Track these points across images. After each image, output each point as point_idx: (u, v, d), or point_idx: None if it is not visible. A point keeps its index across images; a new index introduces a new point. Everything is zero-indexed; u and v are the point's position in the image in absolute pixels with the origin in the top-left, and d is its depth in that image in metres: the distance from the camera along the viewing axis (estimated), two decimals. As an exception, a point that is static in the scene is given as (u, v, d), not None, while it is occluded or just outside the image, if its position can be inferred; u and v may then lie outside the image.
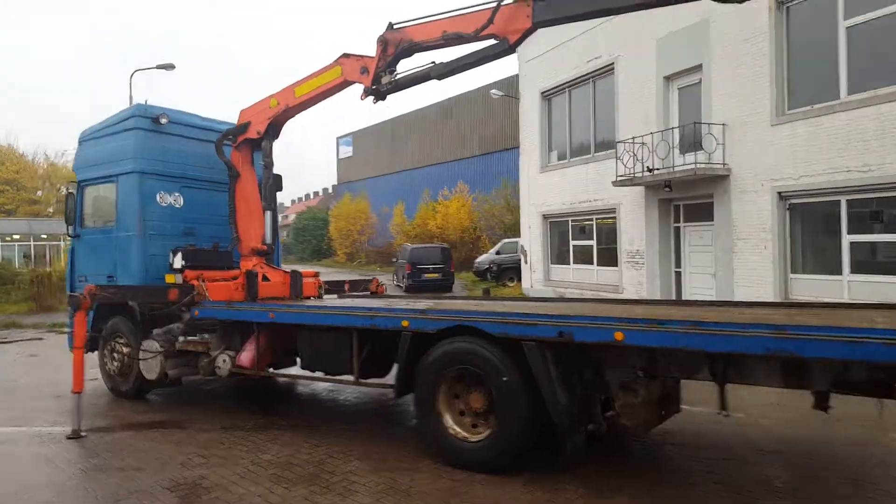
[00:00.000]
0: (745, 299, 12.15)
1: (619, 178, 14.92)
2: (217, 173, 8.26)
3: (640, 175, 14.38)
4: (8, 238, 35.51)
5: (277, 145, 8.14)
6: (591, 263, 17.65)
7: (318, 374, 6.47)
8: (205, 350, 6.97)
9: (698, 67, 13.72)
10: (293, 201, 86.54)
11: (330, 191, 62.32)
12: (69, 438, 6.14)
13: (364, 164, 51.16)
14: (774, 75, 12.02)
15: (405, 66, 7.06)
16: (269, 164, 8.03)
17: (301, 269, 8.81)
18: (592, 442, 5.25)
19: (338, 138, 55.91)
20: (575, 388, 4.77)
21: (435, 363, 5.12)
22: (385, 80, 6.92)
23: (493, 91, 24.25)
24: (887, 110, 10.29)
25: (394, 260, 29.38)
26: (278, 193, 8.39)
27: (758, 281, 12.47)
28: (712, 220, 13.71)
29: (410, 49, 6.72)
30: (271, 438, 6.00)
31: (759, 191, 12.39)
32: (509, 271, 23.89)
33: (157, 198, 7.86)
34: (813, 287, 11.67)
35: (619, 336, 4.28)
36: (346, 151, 54.48)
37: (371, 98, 7.19)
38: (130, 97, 21.41)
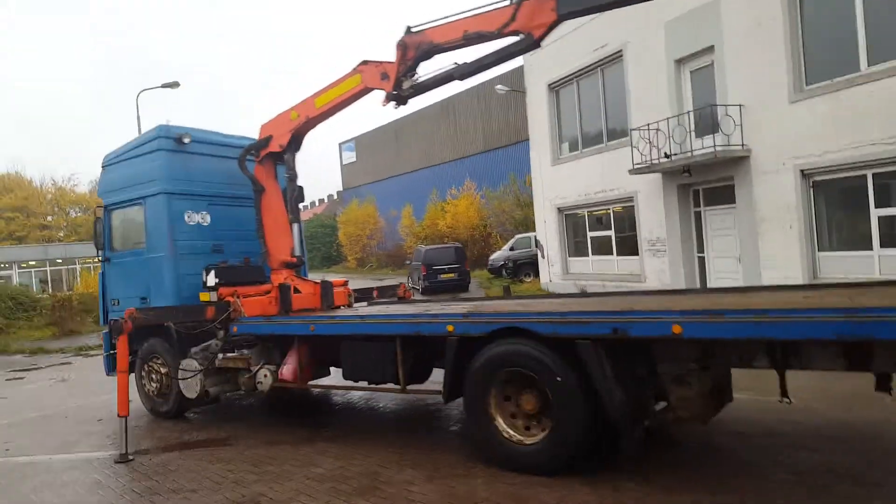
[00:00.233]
0: (772, 281, 12.08)
1: (635, 166, 14.79)
2: (240, 189, 8.27)
3: (657, 162, 14.24)
4: (24, 265, 35.86)
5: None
6: (611, 254, 17.54)
7: (362, 383, 6.43)
8: (245, 366, 6.96)
9: (710, 49, 13.56)
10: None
11: (335, 197, 62.40)
12: (118, 462, 6.14)
13: (368, 168, 51.19)
14: (791, 51, 11.85)
15: (424, 68, 7.07)
16: (293, 177, 8.03)
17: (314, 276, 8.79)
18: (646, 438, 5.20)
19: (340, 144, 55.95)
20: (629, 385, 4.71)
21: (484, 367, 5.06)
22: (406, 84, 6.88)
23: (499, 87, 24.15)
24: (910, 80, 10.14)
25: (407, 262, 29.35)
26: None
27: (785, 261, 12.31)
28: (734, 203, 13.56)
29: (431, 51, 6.67)
30: (320, 451, 5.97)
31: (781, 170, 12.24)
32: (525, 267, 23.79)
33: (185, 217, 7.87)
34: (842, 264, 11.52)
35: (676, 329, 4.20)
36: (350, 157, 54.52)
37: (392, 103, 7.16)
38: (138, 117, 21.54)
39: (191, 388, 7.22)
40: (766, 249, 12.69)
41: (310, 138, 8.18)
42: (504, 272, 24.83)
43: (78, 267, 33.46)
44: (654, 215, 15.49)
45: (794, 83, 11.88)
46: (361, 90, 7.22)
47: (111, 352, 8.41)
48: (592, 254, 18.28)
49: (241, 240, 8.35)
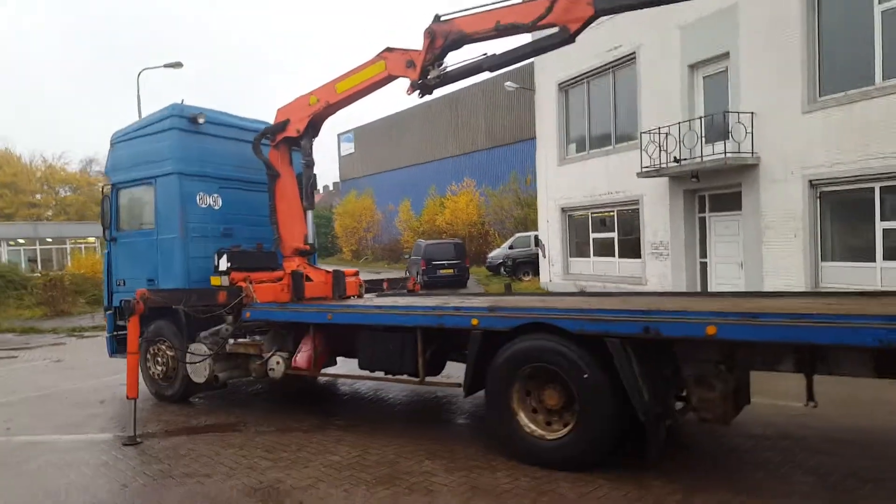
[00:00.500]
0: (774, 288, 12.14)
1: (644, 170, 14.79)
2: (253, 173, 8.17)
3: (666, 166, 14.25)
4: (12, 242, 35.37)
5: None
6: (613, 256, 17.55)
7: (377, 373, 6.37)
8: (257, 352, 6.87)
9: (725, 55, 13.57)
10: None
11: (331, 188, 62.10)
12: (126, 445, 6.03)
13: (367, 160, 50.97)
14: (807, 61, 11.88)
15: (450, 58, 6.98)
16: (309, 163, 7.93)
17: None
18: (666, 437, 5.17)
19: (339, 135, 55.65)
20: (656, 384, 4.69)
21: (509, 361, 5.02)
22: (433, 73, 6.78)
23: (508, 84, 24.03)
24: (924, 95, 10.20)
25: (405, 256, 29.26)
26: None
27: (788, 270, 12.38)
28: (739, 210, 13.61)
29: (460, 41, 6.57)
30: (334, 439, 5.90)
31: (790, 179, 12.29)
32: (524, 266, 23.80)
33: (197, 199, 7.74)
34: (844, 275, 11.59)
35: (711, 330, 4.18)
36: (348, 148, 54.24)
37: (417, 92, 7.08)
38: (138, 97, 21.24)
39: (199, 372, 7.12)
40: (770, 257, 12.75)
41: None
42: (503, 270, 24.82)
43: (68, 247, 33.01)
44: (659, 219, 15.52)
45: (808, 93, 11.91)
46: (385, 77, 7.12)
47: (115, 332, 8.34)
48: (594, 255, 18.29)
49: (251, 225, 8.24)
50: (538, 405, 5.04)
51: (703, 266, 14.78)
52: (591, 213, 18.30)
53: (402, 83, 7.10)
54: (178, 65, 20.63)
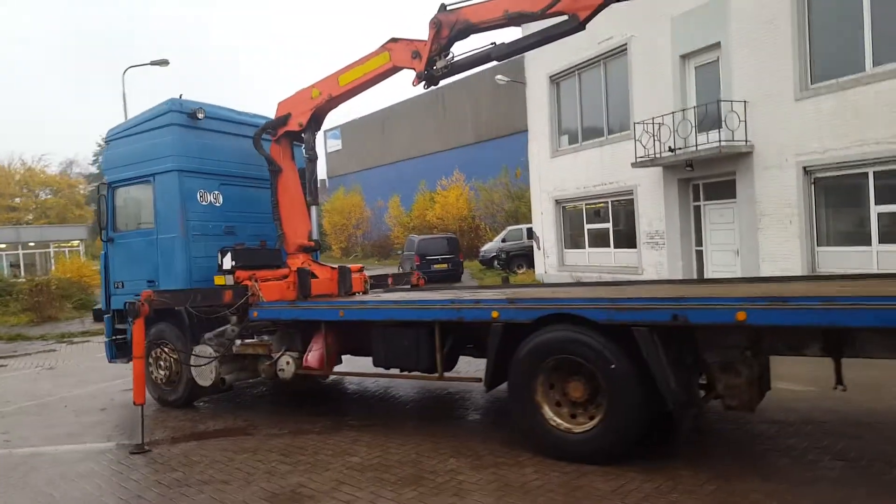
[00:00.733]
0: (771, 274, 12.21)
1: (638, 160, 14.79)
2: (254, 169, 8.00)
3: (660, 155, 14.26)
4: (-7, 248, 34.59)
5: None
6: (608, 246, 17.56)
7: (392, 370, 6.25)
8: (266, 352, 6.71)
9: (716, 45, 13.59)
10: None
11: (319, 185, 61.68)
12: (134, 453, 5.84)
13: (354, 156, 50.58)
14: (798, 50, 11.93)
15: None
16: (312, 158, 7.78)
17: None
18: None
19: (325, 131, 55.10)
20: (682, 372, 4.64)
21: (532, 354, 4.93)
22: (440, 64, 6.64)
23: (499, 77, 23.91)
24: (918, 80, 10.28)
25: (398, 252, 29.10)
26: None
27: (784, 256, 12.46)
28: (734, 198, 13.67)
29: (467, 30, 6.44)
30: (352, 440, 5.78)
31: (784, 166, 12.35)
32: (518, 258, 23.76)
33: (198, 196, 7.54)
34: (841, 259, 11.69)
35: (741, 316, 4.12)
36: (335, 145, 53.80)
37: (422, 83, 6.94)
38: (124, 94, 20.77)
39: (205, 375, 6.94)
40: (766, 244, 12.82)
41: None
42: (496, 263, 24.76)
43: (52, 251, 32.29)
44: (654, 208, 15.54)
45: (800, 81, 11.97)
46: (389, 69, 6.97)
47: (114, 337, 8.11)
48: (589, 246, 18.29)
49: (253, 222, 8.07)
50: (562, 398, 4.96)
51: (699, 254, 14.83)
52: (586, 205, 18.30)
53: (406, 74, 7.00)
54: (164, 62, 20.21)
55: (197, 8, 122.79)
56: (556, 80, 18.96)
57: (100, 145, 65.39)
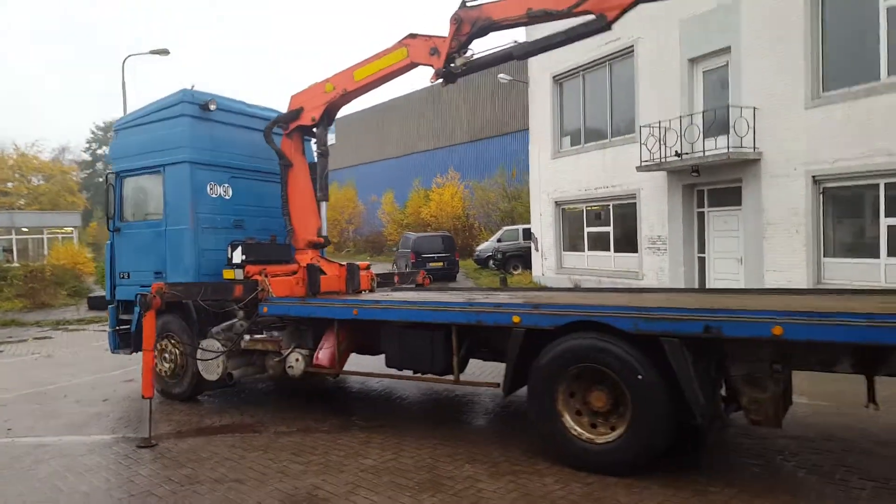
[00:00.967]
0: (775, 284, 12.21)
1: (643, 163, 14.74)
2: (264, 162, 7.88)
3: (665, 160, 14.21)
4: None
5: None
6: (608, 250, 17.51)
7: (405, 372, 6.15)
8: (275, 349, 6.59)
9: (726, 49, 13.54)
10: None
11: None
12: (141, 447, 5.72)
13: (349, 151, 50.25)
14: (810, 57, 11.89)
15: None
16: (324, 153, 7.66)
17: None
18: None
19: (320, 125, 54.72)
20: (708, 385, 4.58)
21: (555, 361, 4.84)
22: (459, 61, 6.54)
23: (501, 76, 23.78)
24: (931, 93, 10.27)
25: (393, 249, 28.95)
26: None
27: (790, 265, 12.44)
28: (738, 205, 13.64)
29: (488, 28, 6.34)
30: (362, 441, 5.68)
31: (792, 175, 12.32)
32: (514, 259, 23.67)
33: (208, 189, 7.41)
34: (847, 270, 11.68)
35: (777, 331, 4.06)
36: (329, 139, 53.08)
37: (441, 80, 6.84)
38: (123, 83, 20.47)
39: (211, 369, 6.81)
40: (771, 253, 12.80)
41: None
42: (491, 263, 24.65)
43: (46, 237, 31.86)
44: (657, 213, 15.50)
45: (812, 89, 11.93)
46: (407, 65, 6.86)
47: (117, 327, 7.97)
48: (588, 249, 18.24)
49: (261, 216, 7.95)
50: (582, 407, 4.88)
51: (702, 261, 14.81)
52: (586, 207, 18.24)
53: (414, 71, 6.89)
54: (164, 52, 19.91)
55: (197, 8, 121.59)
56: (559, 80, 18.87)
57: (93, 133, 64.89)
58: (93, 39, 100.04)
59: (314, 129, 7.61)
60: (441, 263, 23.30)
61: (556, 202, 19.02)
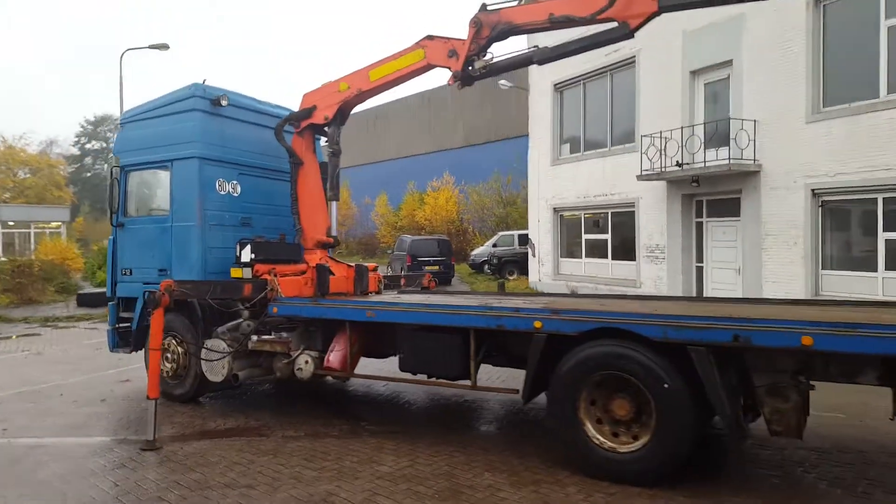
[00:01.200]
0: (773, 295, 12.26)
1: (644, 173, 14.79)
2: (273, 160, 7.79)
3: (666, 170, 14.27)
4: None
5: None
6: (606, 257, 17.54)
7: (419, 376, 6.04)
8: (284, 350, 6.46)
9: (728, 63, 13.64)
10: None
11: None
12: (145, 450, 5.56)
13: (343, 152, 49.94)
14: (811, 72, 12.01)
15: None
16: (336, 152, 7.59)
17: None
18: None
19: (313, 126, 54.45)
20: (732, 395, 4.54)
21: (577, 368, 4.78)
22: (478, 64, 6.49)
23: (502, 82, 23.80)
24: (932, 110, 10.40)
25: (387, 251, 28.81)
26: None
27: (788, 277, 12.52)
28: (737, 216, 13.72)
29: (508, 32, 6.31)
30: (375, 447, 5.56)
31: (792, 187, 12.41)
32: (510, 264, 23.66)
33: (216, 185, 7.27)
34: (845, 283, 11.76)
35: (807, 341, 4.03)
36: (323, 140, 53.13)
37: (458, 83, 6.77)
38: (121, 77, 20.21)
39: (216, 370, 6.66)
40: (770, 264, 12.87)
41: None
42: (487, 268, 24.63)
43: (33, 231, 31.28)
44: (656, 222, 15.55)
45: (812, 104, 12.04)
46: (423, 66, 6.81)
47: (117, 325, 7.79)
48: (586, 256, 18.25)
49: (269, 214, 7.83)
50: (603, 415, 4.82)
51: (700, 270, 14.87)
52: (584, 214, 18.27)
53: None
54: (164, 46, 19.63)
55: (197, 8, 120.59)
56: (560, 88, 18.92)
57: (83, 127, 64.04)
58: (93, 39, 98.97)
59: (326, 128, 7.53)
60: (437, 267, 23.16)
61: (554, 209, 19.03)
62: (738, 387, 4.72)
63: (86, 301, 16.65)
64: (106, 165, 58.28)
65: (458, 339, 5.49)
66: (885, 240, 11.20)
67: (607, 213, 17.46)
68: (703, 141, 13.87)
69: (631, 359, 4.56)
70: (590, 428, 4.79)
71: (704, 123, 14.05)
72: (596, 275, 17.68)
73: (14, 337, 12.95)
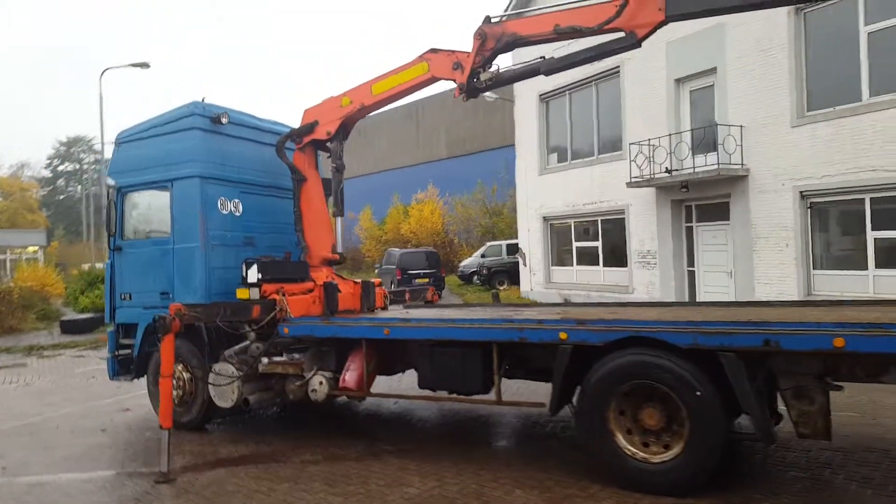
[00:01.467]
0: (766, 297, 12.42)
1: (633, 180, 14.93)
2: (274, 177, 7.69)
3: (655, 176, 14.43)
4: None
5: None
6: (597, 265, 17.63)
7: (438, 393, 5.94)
8: (297, 371, 6.30)
9: (712, 70, 13.89)
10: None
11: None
12: (160, 482, 5.36)
13: (325, 167, 49.77)
14: (794, 78, 12.28)
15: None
16: (340, 167, 7.49)
17: None
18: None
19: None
20: (762, 400, 4.54)
21: (606, 378, 4.74)
22: (484, 76, 6.47)
23: (487, 94, 23.86)
24: (915, 111, 10.67)
25: (375, 266, 28.63)
26: None
27: (779, 278, 12.70)
28: (727, 220, 13.91)
29: (513, 44, 6.30)
30: (398, 468, 5.44)
31: (780, 190, 12.63)
32: (499, 274, 23.65)
33: (219, 204, 7.12)
34: (837, 283, 11.97)
35: (839, 343, 4.04)
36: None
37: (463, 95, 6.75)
38: (100, 95, 19.82)
39: (226, 395, 6.47)
40: (761, 266, 13.05)
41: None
42: (476, 279, 24.59)
43: (8, 257, 30.41)
44: (646, 228, 15.68)
45: (797, 108, 12.30)
46: (427, 79, 6.77)
47: (116, 352, 7.55)
48: (577, 264, 18.33)
49: (271, 233, 7.69)
50: (633, 425, 4.78)
51: (691, 274, 15.01)
52: (574, 223, 18.36)
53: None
54: (144, 65, 19.35)
55: (197, 8, 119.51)
56: (546, 98, 19.07)
57: (55, 149, 62.80)
58: (92, 38, 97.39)
59: (328, 144, 7.45)
60: (427, 279, 23.09)
61: (543, 218, 19.10)
62: (765, 391, 4.73)
63: (70, 328, 16.20)
64: (80, 187, 57.25)
65: (480, 354, 5.41)
66: (874, 238, 11.44)
67: (597, 220, 17.58)
68: (690, 147, 14.06)
69: (662, 367, 4.53)
70: (621, 439, 4.75)
71: (692, 130, 14.25)
72: (588, 282, 17.76)
73: None
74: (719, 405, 4.40)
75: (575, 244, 18.35)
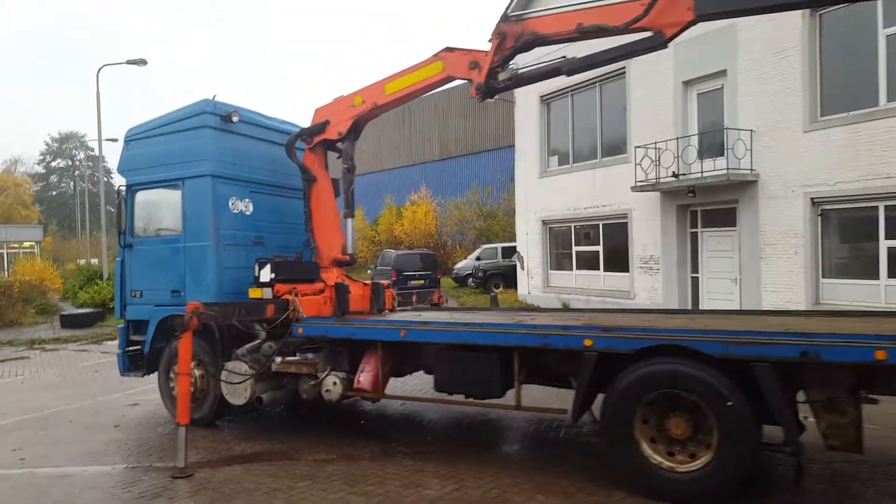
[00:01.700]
0: (773, 305, 12.38)
1: (638, 184, 14.85)
2: (283, 177, 7.61)
3: (661, 181, 14.35)
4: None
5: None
6: (598, 269, 17.53)
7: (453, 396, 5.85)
8: (311, 371, 6.21)
9: (722, 73, 13.81)
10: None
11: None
12: (177, 478, 5.29)
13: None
14: (808, 81, 12.16)
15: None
16: (351, 168, 7.43)
17: None
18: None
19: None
20: (794, 411, 4.48)
21: (632, 386, 4.65)
22: (503, 76, 6.36)
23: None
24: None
25: (370, 267, 28.47)
26: None
27: (787, 286, 12.62)
28: (733, 226, 13.84)
29: (533, 43, 6.17)
30: (414, 469, 5.35)
31: (790, 196, 12.56)
32: (495, 277, 23.53)
33: (230, 204, 7.02)
34: (846, 292, 11.87)
35: (881, 355, 3.96)
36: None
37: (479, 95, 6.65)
38: (98, 94, 19.61)
39: (238, 393, 6.38)
40: (769, 273, 12.97)
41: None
42: (471, 282, 24.46)
43: (6, 252, 30.15)
44: (649, 233, 15.59)
45: (810, 113, 12.19)
46: (443, 79, 6.68)
47: (127, 349, 7.45)
48: (577, 268, 18.22)
49: (281, 232, 7.61)
50: (657, 434, 4.70)
51: (695, 281, 14.95)
52: (574, 226, 18.26)
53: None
54: (141, 62, 19.13)
55: (197, 8, 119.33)
56: (547, 100, 18.94)
57: (47, 144, 62.35)
58: (92, 37, 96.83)
59: (339, 144, 7.36)
60: (422, 281, 22.91)
61: (543, 221, 19.00)
62: (792, 401, 4.66)
63: (70, 322, 16.09)
64: (72, 183, 56.87)
65: (499, 359, 5.33)
66: (888, 247, 11.32)
67: (598, 224, 17.48)
68: (698, 151, 14.00)
69: (692, 377, 4.45)
70: (646, 447, 4.66)
71: (700, 134, 14.19)
72: (588, 286, 17.66)
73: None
74: (749, 415, 4.33)
75: (575, 248, 18.24)
